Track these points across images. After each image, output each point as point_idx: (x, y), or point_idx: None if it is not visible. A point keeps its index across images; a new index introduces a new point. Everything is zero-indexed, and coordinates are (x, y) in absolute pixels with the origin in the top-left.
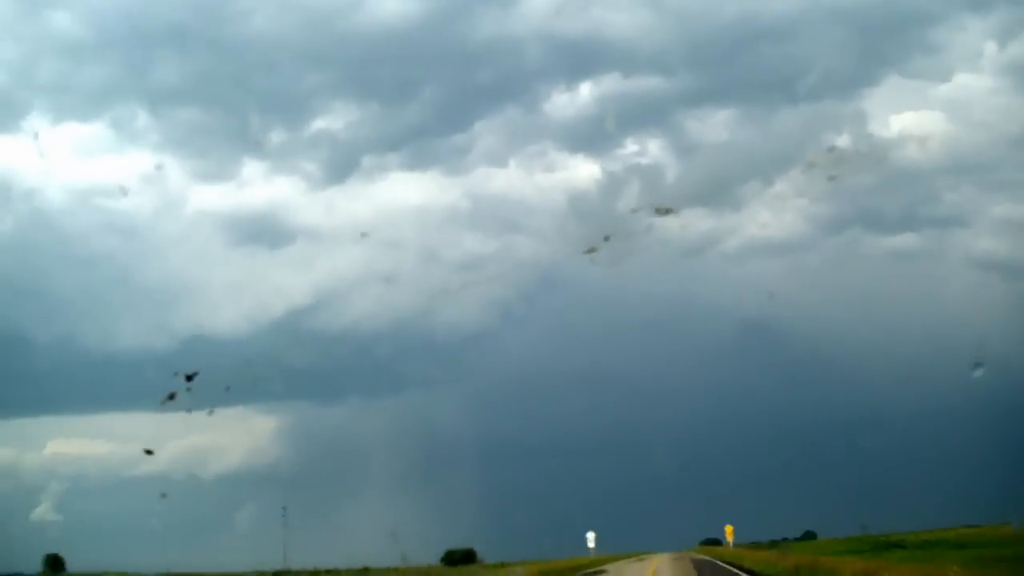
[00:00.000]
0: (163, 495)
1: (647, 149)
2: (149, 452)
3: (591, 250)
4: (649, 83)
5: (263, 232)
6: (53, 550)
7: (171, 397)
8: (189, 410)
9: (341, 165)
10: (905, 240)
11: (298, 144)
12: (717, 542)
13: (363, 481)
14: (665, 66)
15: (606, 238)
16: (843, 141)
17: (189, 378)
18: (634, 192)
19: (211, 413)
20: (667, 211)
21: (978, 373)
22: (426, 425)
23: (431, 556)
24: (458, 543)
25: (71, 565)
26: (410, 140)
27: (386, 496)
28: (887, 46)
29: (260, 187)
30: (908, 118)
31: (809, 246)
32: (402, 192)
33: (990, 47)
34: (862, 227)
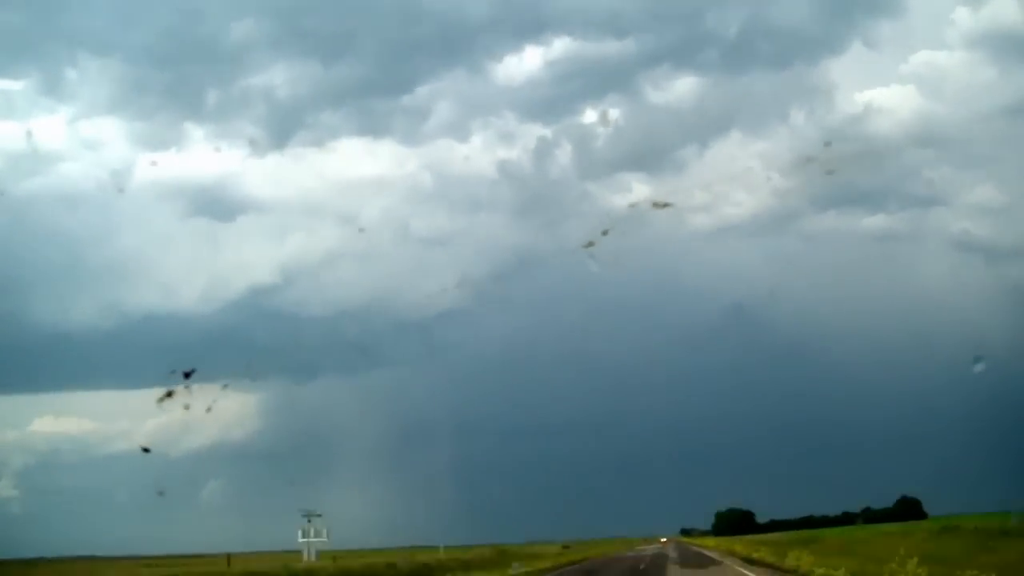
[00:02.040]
0: (160, 493)
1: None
2: (146, 450)
3: (589, 244)
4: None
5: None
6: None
7: (169, 395)
8: (187, 406)
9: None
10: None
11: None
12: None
13: (338, 456)
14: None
15: (604, 232)
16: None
17: (187, 375)
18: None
19: (209, 411)
20: (664, 205)
21: (979, 368)
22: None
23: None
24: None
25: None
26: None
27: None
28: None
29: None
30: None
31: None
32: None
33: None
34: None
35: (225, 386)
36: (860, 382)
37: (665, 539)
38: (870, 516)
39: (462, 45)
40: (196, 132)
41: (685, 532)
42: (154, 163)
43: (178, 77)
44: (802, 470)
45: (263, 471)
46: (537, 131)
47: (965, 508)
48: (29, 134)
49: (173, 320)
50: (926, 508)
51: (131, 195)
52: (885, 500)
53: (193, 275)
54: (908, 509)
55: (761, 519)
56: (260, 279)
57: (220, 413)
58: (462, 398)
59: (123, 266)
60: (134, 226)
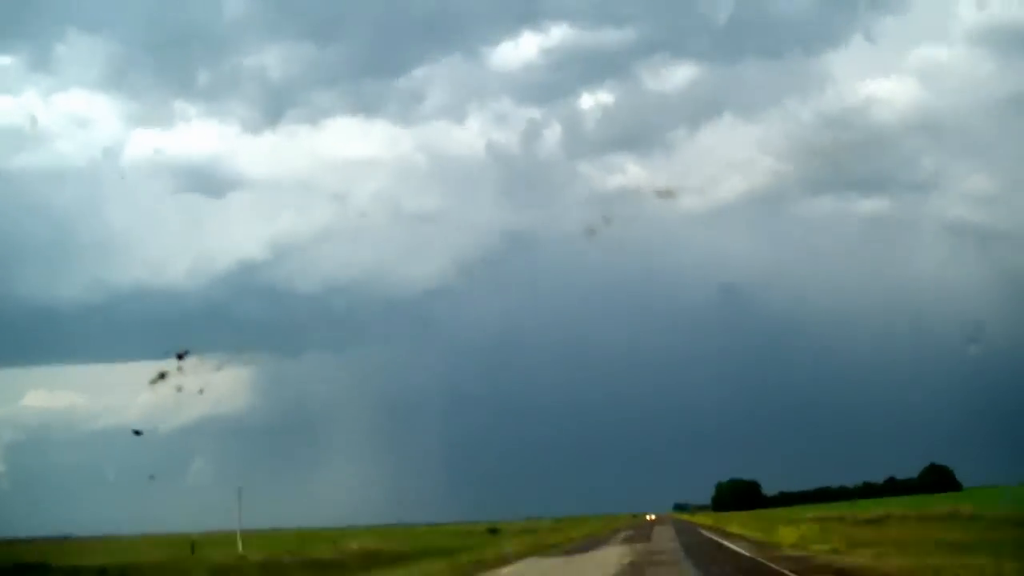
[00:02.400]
0: (151, 477)
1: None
2: (138, 433)
3: (591, 231)
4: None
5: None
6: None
7: (162, 376)
8: (180, 388)
9: None
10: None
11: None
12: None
13: (326, 433)
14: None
15: (607, 220)
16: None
17: (180, 356)
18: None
19: (201, 392)
20: (668, 193)
21: (973, 350)
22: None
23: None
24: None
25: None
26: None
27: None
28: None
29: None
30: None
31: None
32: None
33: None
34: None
35: (220, 368)
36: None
37: (653, 516)
38: (895, 487)
39: (458, 30)
40: (188, 110)
41: (680, 507)
42: (157, 150)
43: (170, 55)
44: (817, 439)
45: (253, 447)
46: (531, 114)
47: (1002, 479)
48: (29, 116)
49: (162, 295)
50: (960, 478)
51: (123, 172)
52: (910, 470)
53: (183, 250)
54: (939, 479)
55: (769, 491)
56: (250, 255)
57: (211, 389)
58: (455, 375)
59: (113, 242)
60: (124, 202)
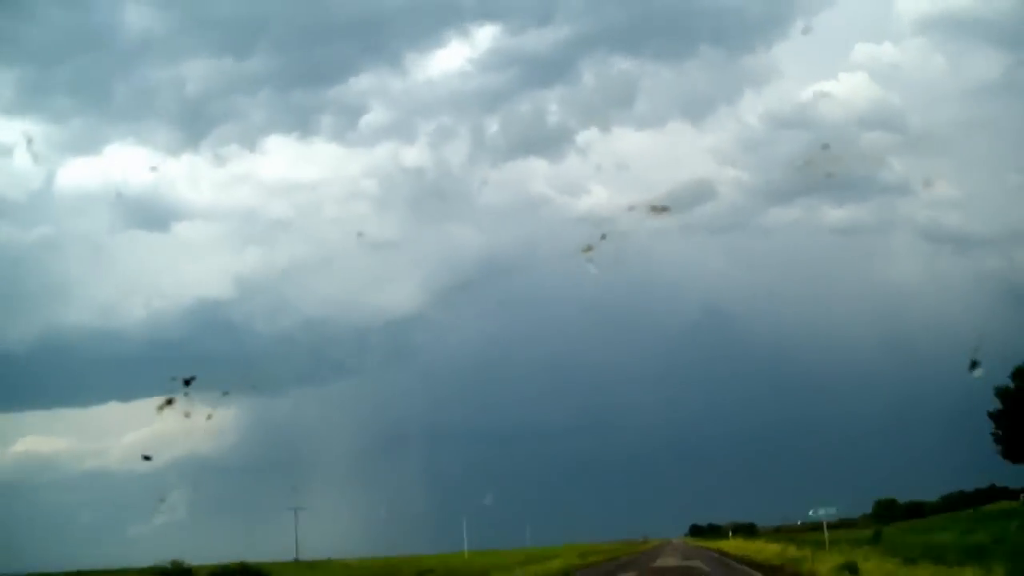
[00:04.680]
0: (162, 500)
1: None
2: (147, 458)
3: (588, 249)
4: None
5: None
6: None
7: (169, 403)
8: (188, 414)
9: None
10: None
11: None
12: (710, 531)
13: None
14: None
15: (603, 236)
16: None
17: (187, 382)
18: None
19: (210, 418)
20: (663, 209)
21: (977, 373)
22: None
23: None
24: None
25: None
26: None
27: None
28: None
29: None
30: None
31: None
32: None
33: None
34: None
35: (225, 393)
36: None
37: (647, 540)
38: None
39: (385, 37)
40: (111, 133)
41: (697, 531)
42: (90, 180)
43: (84, 75)
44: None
45: (230, 484)
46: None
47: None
48: None
49: (115, 338)
50: None
51: (54, 203)
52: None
53: (134, 291)
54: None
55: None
56: (210, 292)
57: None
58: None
59: (62, 284)
60: (62, 241)
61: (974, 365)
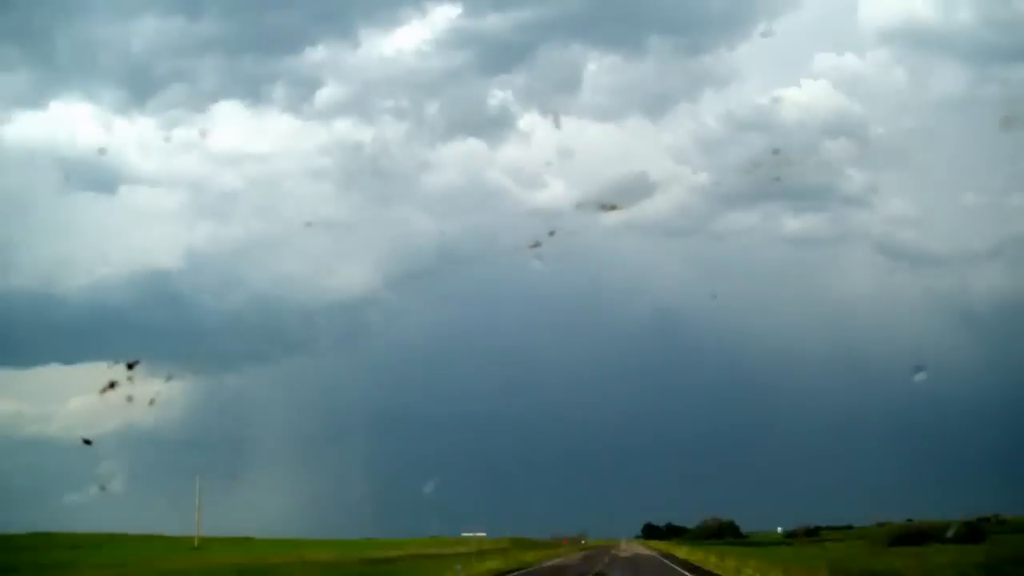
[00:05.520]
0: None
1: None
2: (87, 442)
3: (535, 245)
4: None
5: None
6: None
7: (112, 386)
8: (130, 397)
9: None
10: None
11: None
12: (660, 531)
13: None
14: None
15: (551, 233)
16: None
17: (130, 366)
18: None
19: (152, 403)
20: (612, 207)
21: (920, 377)
22: None
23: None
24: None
25: None
26: None
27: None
28: None
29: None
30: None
31: None
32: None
33: None
34: None
35: (169, 378)
36: None
37: (580, 541)
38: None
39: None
40: (57, 88)
41: (653, 532)
42: (102, 150)
43: (28, 27)
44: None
45: (169, 457)
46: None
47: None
48: None
49: (57, 302)
50: None
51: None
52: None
53: (79, 254)
54: None
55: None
56: (159, 263)
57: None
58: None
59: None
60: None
61: (917, 370)
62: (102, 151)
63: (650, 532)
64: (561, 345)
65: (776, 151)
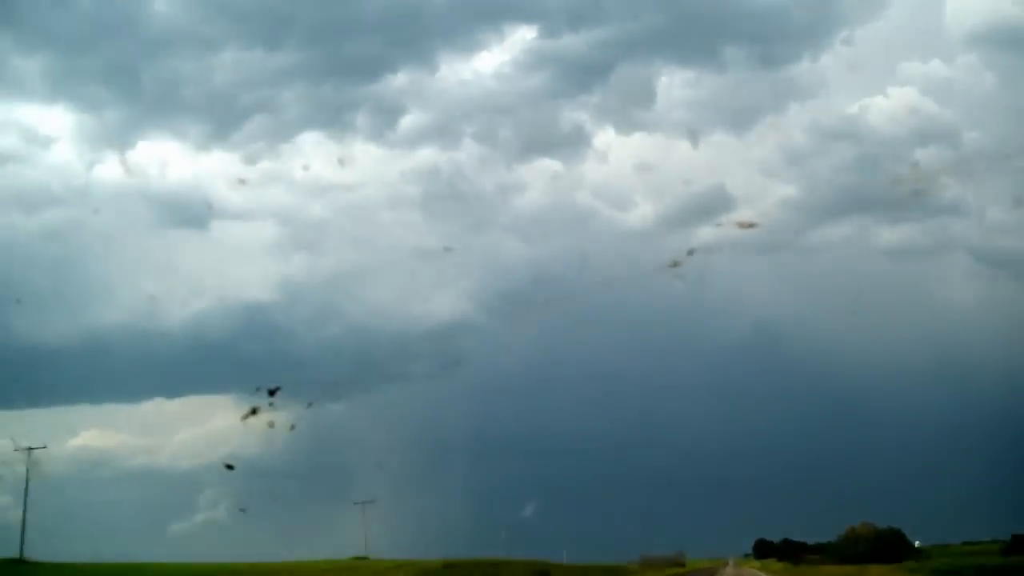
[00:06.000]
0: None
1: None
2: (230, 467)
3: (674, 264)
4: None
5: None
6: None
7: (254, 412)
8: (272, 424)
9: None
10: None
11: None
12: (766, 549)
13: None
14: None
15: (690, 252)
16: None
17: (272, 392)
18: None
19: (292, 428)
20: (750, 225)
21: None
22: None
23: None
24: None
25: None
26: None
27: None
28: None
29: None
30: None
31: None
32: None
33: None
34: None
35: (310, 404)
36: None
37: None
38: None
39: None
40: (144, 127)
41: (765, 549)
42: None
43: (115, 64)
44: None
45: (274, 486)
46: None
47: None
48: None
49: (158, 337)
50: None
51: (93, 200)
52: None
53: (177, 290)
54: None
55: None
56: (254, 295)
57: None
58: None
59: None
60: (106, 239)
61: None
62: (209, 207)
63: (763, 550)
64: (657, 363)
65: (915, 164)
